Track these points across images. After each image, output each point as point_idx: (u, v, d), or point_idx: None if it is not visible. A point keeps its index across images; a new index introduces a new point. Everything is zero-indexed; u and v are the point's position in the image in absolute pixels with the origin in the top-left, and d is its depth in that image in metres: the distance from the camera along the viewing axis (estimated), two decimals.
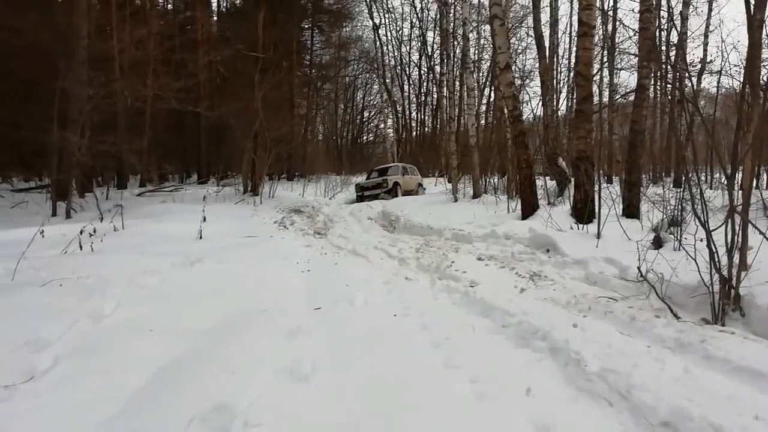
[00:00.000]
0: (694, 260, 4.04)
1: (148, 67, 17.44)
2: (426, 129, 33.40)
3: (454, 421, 2.55)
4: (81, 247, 6.10)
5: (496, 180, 15.80)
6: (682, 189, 7.88)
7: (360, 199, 18.18)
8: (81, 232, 6.24)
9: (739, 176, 4.58)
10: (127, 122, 15.97)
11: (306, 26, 27.53)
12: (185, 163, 23.74)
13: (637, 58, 12.82)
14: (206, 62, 19.24)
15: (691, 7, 16.49)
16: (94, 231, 6.51)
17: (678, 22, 16.08)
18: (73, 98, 11.47)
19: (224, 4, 27.03)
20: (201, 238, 7.71)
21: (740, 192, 4.55)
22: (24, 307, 3.90)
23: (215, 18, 25.75)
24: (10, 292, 4.23)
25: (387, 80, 27.82)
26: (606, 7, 17.41)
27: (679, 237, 5.84)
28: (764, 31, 6.11)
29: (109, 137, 12.19)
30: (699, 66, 17.30)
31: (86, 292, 4.28)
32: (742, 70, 9.29)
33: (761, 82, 5.69)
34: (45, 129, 10.72)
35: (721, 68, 15.66)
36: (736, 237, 3.89)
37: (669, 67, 10.32)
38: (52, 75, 11.63)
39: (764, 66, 5.56)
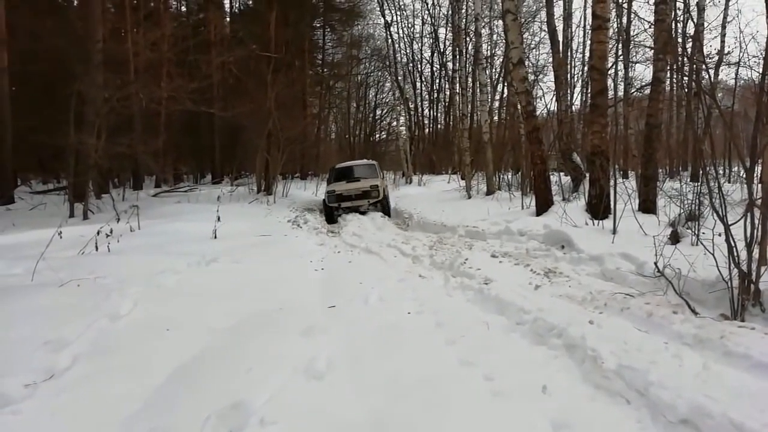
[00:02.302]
0: (713, 255, 3.98)
1: (162, 69, 17.63)
2: (439, 126, 33.33)
3: (470, 419, 2.54)
4: (97, 248, 6.18)
5: (509, 176, 15.70)
6: (699, 183, 7.75)
7: (330, 217, 12.40)
8: (98, 233, 6.31)
9: (758, 169, 4.49)
10: (143, 124, 16.15)
11: (318, 25, 27.61)
12: (200, 163, 23.97)
13: (652, 51, 12.65)
14: (219, 63, 19.36)
15: None
16: (111, 232, 6.58)
17: (695, 13, 15.81)
18: (89, 101, 11.61)
19: (236, 5, 27.21)
20: (216, 237, 7.77)
21: (759, 185, 4.46)
22: (43, 307, 3.97)
23: (228, 19, 25.93)
24: (29, 292, 4.31)
25: (399, 78, 27.76)
26: (620, 0, 17.16)
27: (696, 232, 5.75)
28: None
29: (125, 139, 12.33)
30: (716, 57, 16.99)
31: (104, 292, 4.34)
32: (762, 61, 9.12)
33: None
34: (62, 132, 10.89)
35: (740, 59, 15.29)
36: (755, 231, 3.82)
37: (685, 59, 10.16)
38: (69, 79, 11.81)
39: None
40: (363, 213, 12.21)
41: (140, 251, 6.39)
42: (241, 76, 18.50)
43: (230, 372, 3.05)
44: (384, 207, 12.57)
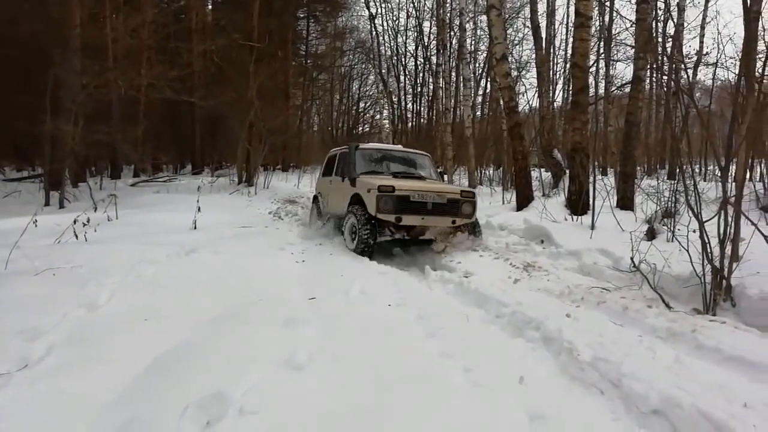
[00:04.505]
0: (687, 251, 4.08)
1: (142, 56, 17.32)
2: (422, 120, 33.33)
3: (449, 410, 2.57)
4: (76, 237, 6.08)
5: (491, 171, 15.81)
6: (676, 181, 7.92)
7: (365, 244, 6.46)
8: (74, 222, 6.20)
9: (733, 168, 4.61)
10: (121, 112, 15.87)
11: (302, 15, 27.36)
12: (180, 153, 23.65)
13: (633, 50, 12.82)
14: (201, 51, 19.10)
15: None
16: (88, 221, 6.47)
17: (675, 13, 16.07)
18: (66, 87, 11.37)
19: None
20: (196, 228, 7.69)
21: (734, 184, 4.58)
22: (17, 296, 3.90)
23: (210, 6, 25.52)
24: (3, 281, 4.22)
25: (383, 70, 27.71)
26: None
27: (672, 228, 5.89)
28: (760, 23, 6.12)
29: (103, 127, 12.12)
30: (695, 58, 17.30)
31: (80, 282, 4.28)
32: (738, 63, 9.31)
33: (756, 74, 5.70)
34: (38, 118, 10.65)
35: (717, 60, 15.61)
36: (728, 228, 3.92)
37: (665, 58, 10.33)
38: (45, 64, 11.54)
39: (759, 58, 5.56)
40: (428, 242, 6.91)
41: (118, 241, 6.29)
42: (222, 65, 18.25)
43: (210, 363, 3.03)
44: (474, 231, 7.03)
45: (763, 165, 9.48)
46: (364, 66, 33.60)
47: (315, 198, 9.35)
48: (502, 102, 11.38)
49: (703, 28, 18.13)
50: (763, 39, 6.06)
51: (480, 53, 26.16)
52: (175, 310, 3.96)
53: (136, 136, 15.28)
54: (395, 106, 31.56)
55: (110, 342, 3.34)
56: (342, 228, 7.00)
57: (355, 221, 6.54)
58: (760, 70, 5.72)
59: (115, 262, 5.03)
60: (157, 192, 13.60)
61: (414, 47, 31.79)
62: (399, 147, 9.01)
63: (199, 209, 8.04)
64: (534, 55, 16.87)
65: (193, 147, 21.63)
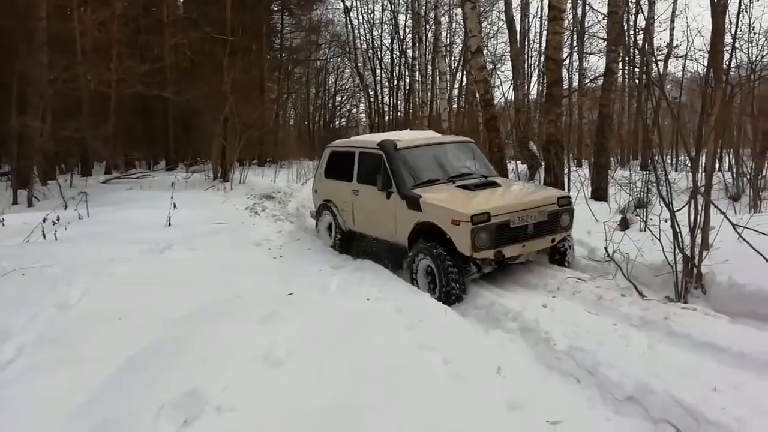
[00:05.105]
0: (659, 240, 4.16)
1: (111, 50, 16.86)
2: (399, 114, 33.30)
3: (429, 402, 2.58)
4: (45, 236, 5.92)
5: None
6: (648, 171, 8.07)
7: (457, 299, 4.50)
8: (44, 220, 6.04)
9: (702, 159, 4.71)
10: (91, 107, 15.45)
11: (275, 9, 26.98)
12: (153, 149, 23.14)
13: (605, 43, 13.00)
14: (173, 45, 18.67)
15: None
16: (58, 219, 6.30)
17: (645, 7, 16.32)
18: (32, 82, 11.03)
19: None
20: (170, 225, 7.55)
21: (703, 174, 4.68)
22: None
23: None
24: None
25: (359, 64, 27.55)
26: None
27: (644, 218, 6.00)
28: (727, 16, 6.25)
29: (72, 123, 11.79)
30: (666, 50, 17.62)
31: (50, 282, 4.17)
32: (706, 55, 9.50)
33: (723, 66, 5.82)
34: (4, 114, 10.32)
35: (687, 53, 15.94)
36: (698, 217, 4.01)
37: (636, 51, 10.50)
38: (11, 58, 11.16)
39: (726, 51, 5.69)
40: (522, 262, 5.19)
41: (89, 239, 6.15)
42: (195, 59, 17.93)
43: (185, 361, 2.99)
44: (564, 254, 5.27)
45: (731, 155, 9.72)
46: (339, 59, 33.39)
47: (322, 207, 6.82)
48: (477, 95, 11.43)
49: (672, 21, 18.47)
50: (730, 32, 6.20)
51: (456, 46, 26.19)
52: (150, 309, 3.90)
53: (106, 132, 14.88)
54: (372, 99, 31.46)
55: (82, 342, 3.27)
56: (408, 267, 4.98)
57: (432, 264, 4.63)
58: (727, 63, 5.84)
59: (86, 260, 4.91)
60: (130, 189, 13.32)
61: (390, 40, 31.70)
62: (436, 135, 6.87)
63: (174, 205, 7.90)
64: (509, 48, 16.98)
65: (167, 143, 21.18)
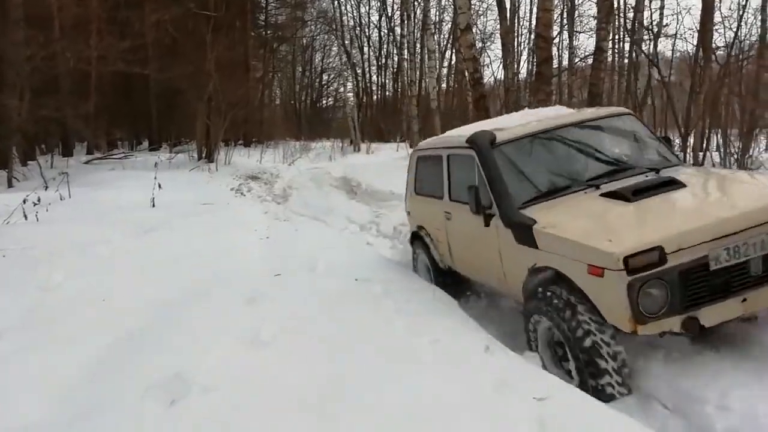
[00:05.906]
0: None
1: (90, 26, 16.42)
2: (387, 93, 33.05)
3: (416, 382, 2.56)
4: (26, 217, 5.81)
5: None
6: None
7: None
8: (24, 201, 5.94)
9: (691, 139, 4.72)
10: (71, 85, 15.10)
11: None
12: (135, 129, 22.76)
13: (595, 21, 12.92)
14: (154, 21, 18.18)
15: None
16: (39, 200, 6.19)
17: None
18: (8, 60, 10.71)
19: None
20: (154, 206, 7.45)
21: (691, 153, 4.69)
22: None
23: None
24: None
25: (346, 42, 27.15)
26: None
27: None
28: None
29: (52, 101, 11.50)
30: (656, 29, 17.57)
31: (32, 264, 4.10)
32: (696, 35, 9.49)
33: (713, 46, 5.81)
34: None
35: (676, 32, 15.93)
36: None
37: (626, 29, 10.46)
38: None
39: (716, 30, 5.67)
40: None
41: (71, 220, 6.05)
42: (177, 36, 17.50)
43: (171, 343, 2.95)
44: None
45: (719, 135, 9.77)
46: (326, 37, 32.85)
47: (414, 237, 4.84)
48: (467, 74, 11.33)
49: None
50: (720, 11, 6.17)
51: (445, 24, 25.95)
52: (134, 291, 3.84)
53: (87, 111, 14.59)
54: (359, 78, 31.16)
55: (66, 325, 3.22)
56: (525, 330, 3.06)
57: (571, 337, 2.62)
58: (716, 42, 5.83)
59: (68, 242, 4.83)
60: (113, 169, 13.11)
61: (377, 17, 31.33)
62: (564, 113, 4.06)
63: (159, 186, 7.77)
64: (498, 26, 16.84)
65: (150, 122, 20.82)
